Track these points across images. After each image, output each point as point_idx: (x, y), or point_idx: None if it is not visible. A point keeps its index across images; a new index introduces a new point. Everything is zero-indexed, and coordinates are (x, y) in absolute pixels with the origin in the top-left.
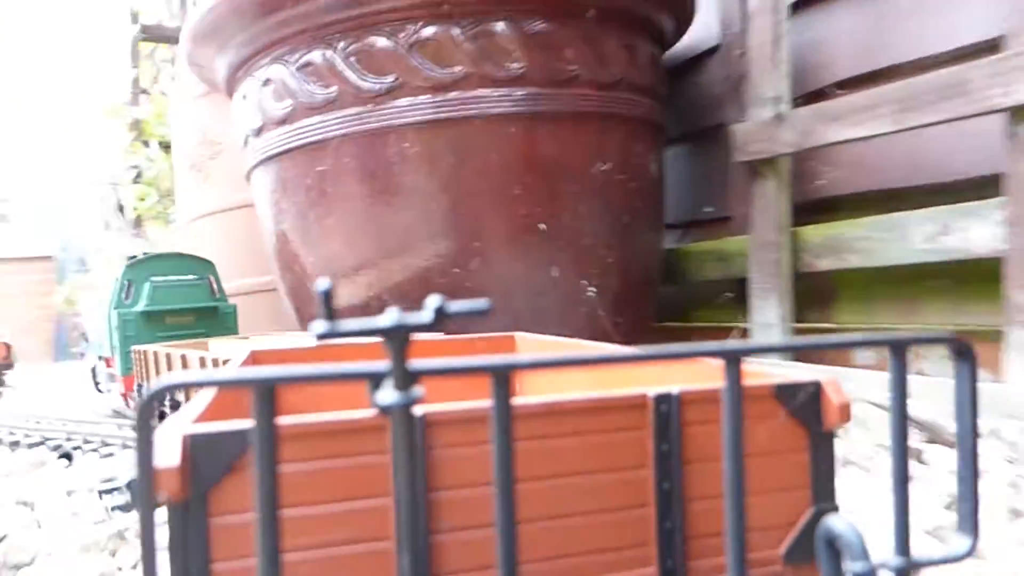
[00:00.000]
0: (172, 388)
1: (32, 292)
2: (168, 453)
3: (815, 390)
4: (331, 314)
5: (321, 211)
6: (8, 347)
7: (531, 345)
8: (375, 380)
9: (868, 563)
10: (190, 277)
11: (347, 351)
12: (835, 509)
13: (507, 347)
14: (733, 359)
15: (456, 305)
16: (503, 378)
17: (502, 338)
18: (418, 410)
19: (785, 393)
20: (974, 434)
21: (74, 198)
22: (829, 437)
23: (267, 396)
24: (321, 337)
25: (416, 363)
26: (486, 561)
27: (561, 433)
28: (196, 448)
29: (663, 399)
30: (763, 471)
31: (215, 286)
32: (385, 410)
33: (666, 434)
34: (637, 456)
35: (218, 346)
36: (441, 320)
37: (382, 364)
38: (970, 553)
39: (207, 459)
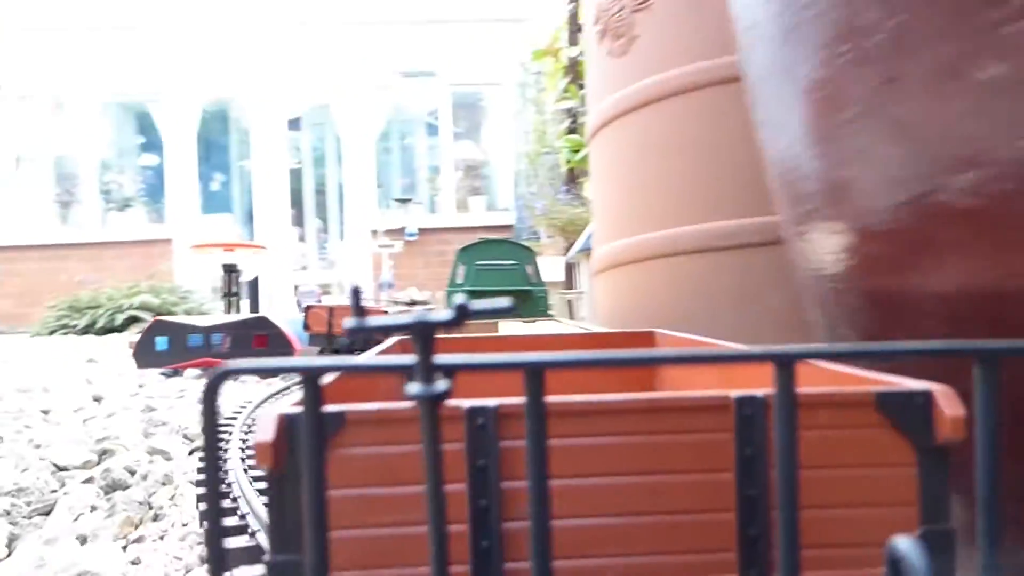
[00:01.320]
0: (232, 373)
1: None
2: (265, 430)
3: (924, 400)
4: (361, 310)
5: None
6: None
7: (669, 341)
8: (409, 373)
9: None
10: (509, 262)
11: (551, 341)
12: (949, 531)
13: (647, 342)
14: (785, 363)
15: (479, 304)
16: (536, 375)
17: (642, 333)
18: (492, 403)
19: (888, 402)
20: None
21: (525, 164)
22: (941, 452)
23: (312, 384)
24: (351, 332)
25: (445, 358)
26: (558, 552)
27: (637, 431)
28: (290, 426)
29: (747, 402)
30: (858, 486)
31: (531, 272)
32: (413, 399)
33: (750, 438)
34: (718, 459)
35: (508, 326)
36: (463, 318)
37: (414, 358)
38: None
39: (300, 436)
